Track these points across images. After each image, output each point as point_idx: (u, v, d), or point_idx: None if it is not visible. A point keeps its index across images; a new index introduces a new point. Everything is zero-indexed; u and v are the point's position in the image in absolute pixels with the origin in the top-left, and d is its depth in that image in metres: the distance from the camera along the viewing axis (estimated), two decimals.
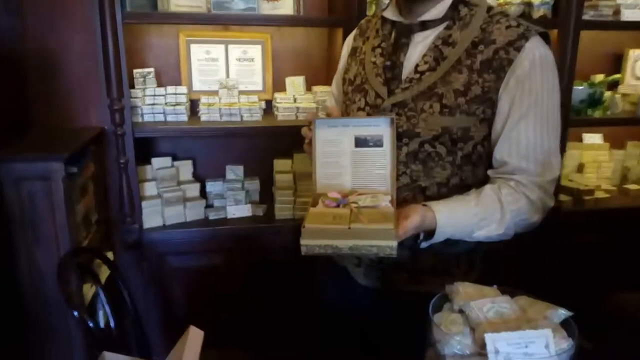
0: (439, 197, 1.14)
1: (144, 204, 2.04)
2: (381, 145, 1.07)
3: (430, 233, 1.05)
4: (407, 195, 1.15)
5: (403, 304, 1.22)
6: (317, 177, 1.08)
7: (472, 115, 1.10)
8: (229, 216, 2.17)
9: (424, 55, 1.13)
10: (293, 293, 2.11)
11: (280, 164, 2.26)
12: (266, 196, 2.28)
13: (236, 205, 2.18)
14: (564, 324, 0.83)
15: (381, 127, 1.06)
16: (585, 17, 2.17)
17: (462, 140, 1.12)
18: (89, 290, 1.65)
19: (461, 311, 0.87)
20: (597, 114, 2.32)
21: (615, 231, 2.31)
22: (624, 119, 2.38)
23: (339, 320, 1.37)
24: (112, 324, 1.58)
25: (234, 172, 2.29)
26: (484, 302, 0.85)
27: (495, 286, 0.97)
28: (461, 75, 1.09)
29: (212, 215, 2.16)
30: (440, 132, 1.11)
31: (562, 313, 0.83)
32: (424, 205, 1.07)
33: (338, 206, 1.02)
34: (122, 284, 1.69)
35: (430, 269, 1.19)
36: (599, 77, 2.42)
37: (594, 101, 2.30)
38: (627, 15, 2.24)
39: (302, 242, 0.94)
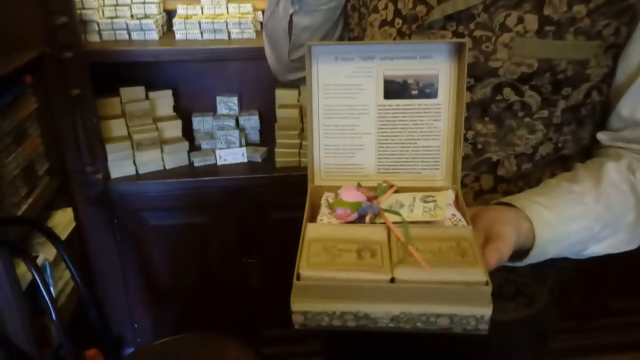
0: (517, 180, 0.68)
1: (109, 147, 1.60)
2: (433, 95, 0.59)
3: (520, 252, 0.60)
4: (465, 177, 0.69)
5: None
6: (315, 155, 0.60)
7: (595, 39, 0.61)
8: (219, 163, 1.72)
9: None
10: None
11: (283, 95, 1.77)
12: (268, 137, 1.81)
13: (228, 149, 1.72)
14: None
15: (435, 61, 0.57)
16: None
17: (571, 83, 0.63)
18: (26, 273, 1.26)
19: None
20: None
21: None
22: None
23: None
24: (53, 315, 1.20)
25: (227, 104, 1.81)
26: None
27: None
28: None
29: (198, 162, 1.71)
30: (537, 68, 0.62)
31: None
32: (508, 204, 0.61)
33: (362, 219, 0.54)
34: (69, 261, 1.30)
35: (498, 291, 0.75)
36: None
37: None
38: None
39: (295, 307, 0.48)
